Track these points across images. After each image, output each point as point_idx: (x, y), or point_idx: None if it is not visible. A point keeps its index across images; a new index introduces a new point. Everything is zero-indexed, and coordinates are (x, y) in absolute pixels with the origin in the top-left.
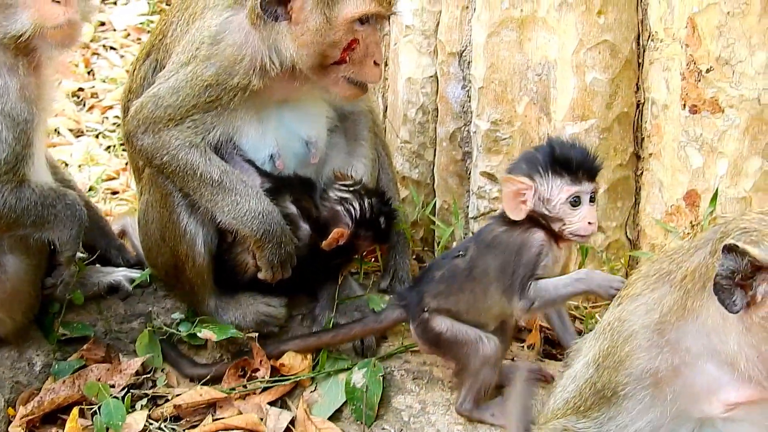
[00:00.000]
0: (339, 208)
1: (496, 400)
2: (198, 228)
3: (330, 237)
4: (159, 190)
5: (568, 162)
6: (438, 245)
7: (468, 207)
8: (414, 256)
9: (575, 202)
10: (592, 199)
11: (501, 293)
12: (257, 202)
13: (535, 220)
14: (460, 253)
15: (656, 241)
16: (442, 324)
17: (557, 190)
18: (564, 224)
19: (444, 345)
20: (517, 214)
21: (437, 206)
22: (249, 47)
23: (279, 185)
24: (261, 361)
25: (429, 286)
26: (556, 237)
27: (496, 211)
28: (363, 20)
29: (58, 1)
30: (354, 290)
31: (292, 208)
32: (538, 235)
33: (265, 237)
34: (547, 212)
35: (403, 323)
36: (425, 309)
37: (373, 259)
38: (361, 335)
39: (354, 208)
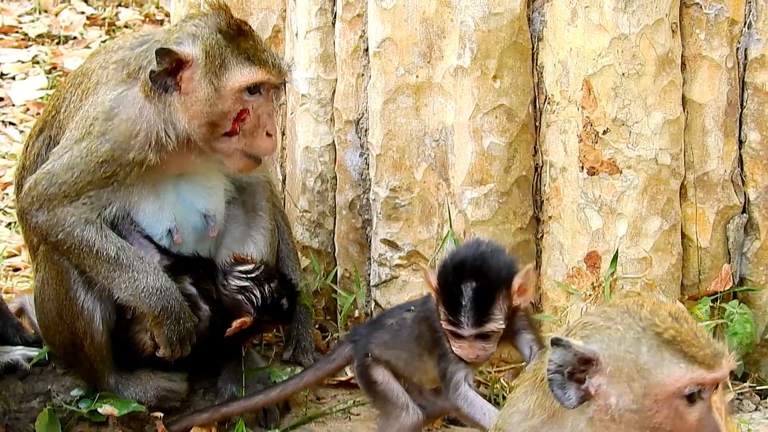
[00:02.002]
0: (240, 297)
1: None
2: (95, 304)
3: (233, 327)
4: (55, 267)
5: (457, 312)
6: (340, 314)
7: (369, 275)
8: (317, 326)
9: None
10: (478, 337)
11: (434, 365)
12: (155, 279)
13: None
14: (412, 307)
15: (558, 304)
16: (378, 375)
17: (442, 319)
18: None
19: (374, 394)
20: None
21: (338, 275)
22: (144, 121)
23: (178, 265)
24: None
25: (378, 332)
26: None
27: (397, 278)
28: (252, 90)
29: None
30: (256, 362)
31: (192, 290)
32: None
33: (163, 314)
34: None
35: None
36: (367, 354)
37: (275, 330)
38: (315, 382)
39: (255, 297)
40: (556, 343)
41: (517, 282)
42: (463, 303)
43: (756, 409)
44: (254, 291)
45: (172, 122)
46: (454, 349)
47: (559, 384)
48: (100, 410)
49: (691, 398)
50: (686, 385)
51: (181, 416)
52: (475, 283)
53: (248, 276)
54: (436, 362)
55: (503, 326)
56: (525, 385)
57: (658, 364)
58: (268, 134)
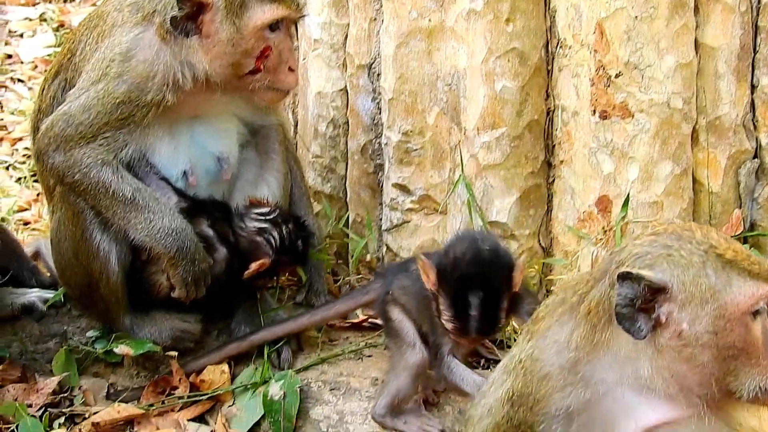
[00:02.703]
0: (258, 239)
1: (412, 409)
2: (111, 246)
3: (251, 268)
4: (71, 209)
5: (465, 321)
6: (352, 258)
7: (381, 219)
8: (329, 270)
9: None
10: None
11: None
12: (171, 220)
13: None
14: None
15: (569, 248)
16: (394, 313)
17: (445, 318)
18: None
19: (388, 329)
20: (426, 283)
21: (350, 219)
22: (160, 63)
23: (195, 207)
24: (180, 379)
25: (401, 275)
26: None
27: (409, 222)
28: (273, 27)
29: None
30: (269, 304)
31: (209, 232)
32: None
33: (178, 254)
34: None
35: None
36: (388, 292)
37: (288, 273)
38: (345, 312)
39: (274, 238)
40: (625, 277)
41: (517, 279)
42: (472, 314)
43: None
44: (272, 233)
45: (189, 64)
46: (452, 337)
47: (629, 317)
48: (115, 350)
49: (755, 314)
50: (757, 300)
51: (195, 356)
52: (483, 293)
53: (265, 218)
54: (429, 330)
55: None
56: (558, 315)
57: (727, 284)
58: (290, 69)
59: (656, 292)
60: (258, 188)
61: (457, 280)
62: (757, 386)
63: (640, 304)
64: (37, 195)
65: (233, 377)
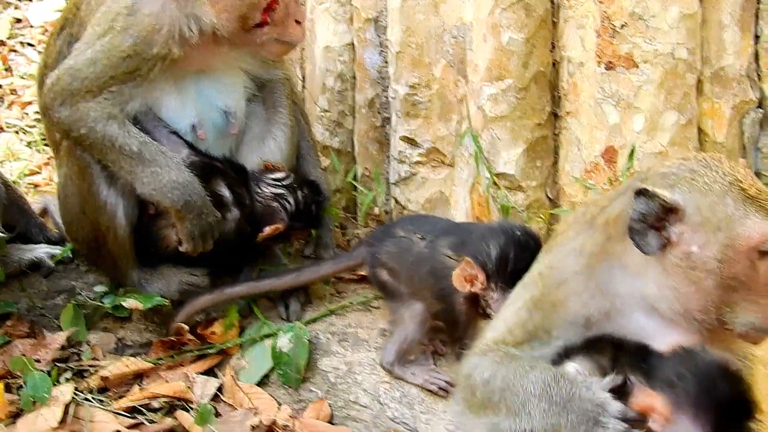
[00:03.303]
0: (274, 204)
1: (420, 361)
2: (118, 200)
3: (266, 232)
4: (77, 163)
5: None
6: (360, 211)
7: (389, 172)
8: (337, 224)
9: None
10: None
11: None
12: (177, 174)
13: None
14: (421, 236)
15: (576, 199)
16: (385, 276)
17: (499, 304)
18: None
19: (383, 291)
20: (461, 288)
21: (358, 173)
22: (167, 16)
23: (212, 168)
24: (190, 340)
25: (388, 240)
26: None
27: (416, 175)
28: None
29: None
30: (278, 258)
31: (226, 192)
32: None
33: (185, 208)
34: (483, 306)
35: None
36: (377, 257)
37: (301, 237)
38: (331, 274)
39: (289, 204)
40: (642, 193)
41: None
42: None
43: None
44: (288, 198)
45: (195, 16)
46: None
47: (641, 231)
48: (124, 304)
49: (764, 254)
50: (766, 240)
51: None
52: None
53: (281, 183)
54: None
55: None
56: (574, 227)
57: (743, 217)
58: (297, 22)
59: (669, 211)
60: (265, 142)
61: (512, 275)
62: (750, 322)
63: (652, 221)
64: (48, 159)
65: (241, 330)
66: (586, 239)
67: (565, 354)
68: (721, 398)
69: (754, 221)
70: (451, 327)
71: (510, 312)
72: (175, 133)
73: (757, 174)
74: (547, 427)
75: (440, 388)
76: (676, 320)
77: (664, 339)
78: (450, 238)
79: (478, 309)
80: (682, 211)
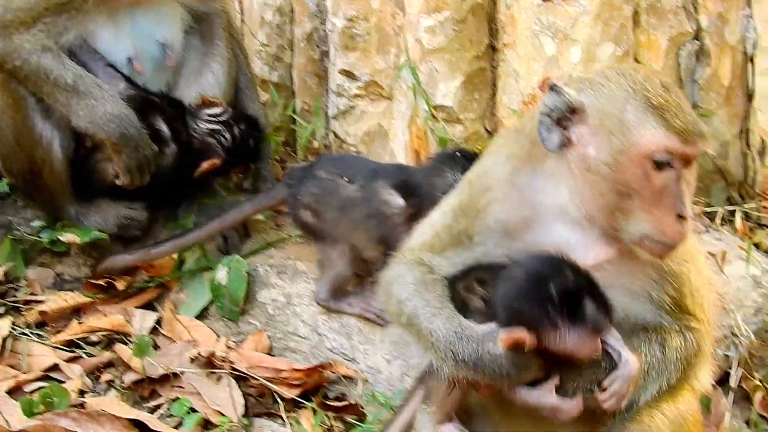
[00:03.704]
0: (210, 140)
1: (355, 291)
2: (54, 133)
3: (202, 168)
4: (12, 96)
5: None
6: (299, 146)
7: (328, 106)
8: (277, 158)
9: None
10: None
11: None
12: (113, 106)
13: (413, 204)
14: (348, 179)
15: None
16: (307, 217)
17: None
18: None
19: (308, 232)
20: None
21: (297, 107)
22: None
23: (150, 101)
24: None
25: (309, 182)
26: None
27: (355, 108)
28: None
29: None
30: (217, 192)
31: (163, 127)
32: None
33: (121, 140)
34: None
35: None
36: (298, 198)
37: (239, 171)
38: (251, 214)
39: (226, 139)
40: (552, 88)
41: None
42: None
43: (706, 231)
44: (224, 134)
45: None
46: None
47: (547, 126)
48: (62, 238)
49: (660, 165)
50: (659, 149)
51: (109, 256)
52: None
53: (218, 119)
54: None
55: None
56: (505, 136)
57: (639, 124)
58: None
59: (573, 111)
60: (203, 76)
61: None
62: (641, 232)
63: (558, 117)
64: None
65: (180, 264)
66: (513, 145)
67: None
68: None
69: (650, 130)
70: None
71: (437, 216)
72: (111, 66)
73: (694, 106)
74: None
75: (377, 316)
76: (589, 229)
77: (586, 253)
78: (389, 180)
79: None
80: (584, 112)
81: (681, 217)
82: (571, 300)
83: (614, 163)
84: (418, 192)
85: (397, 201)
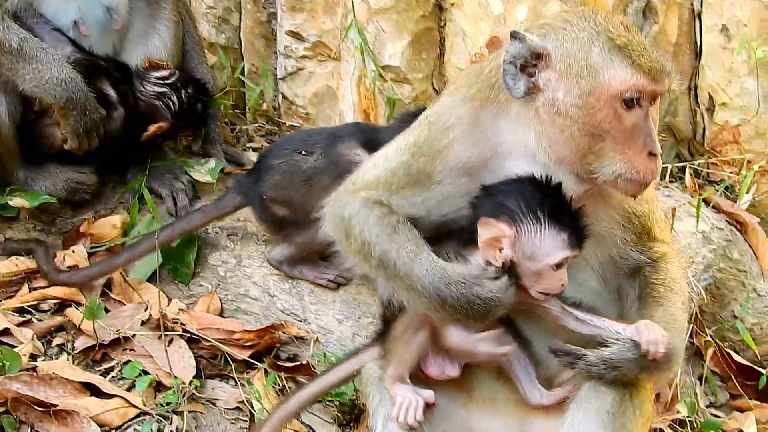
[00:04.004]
0: (158, 103)
1: (307, 258)
2: (0, 97)
3: (150, 131)
4: None
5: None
6: (248, 108)
7: (276, 68)
8: (226, 120)
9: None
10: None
11: None
12: (59, 70)
13: None
14: (305, 152)
15: None
16: (279, 210)
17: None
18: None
19: (282, 226)
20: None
21: (246, 69)
22: None
23: (97, 65)
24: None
25: (268, 175)
26: None
27: (303, 69)
28: None
29: None
30: (166, 154)
31: (110, 91)
32: None
33: (68, 105)
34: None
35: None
36: (263, 197)
37: (187, 135)
38: (201, 225)
39: (173, 102)
40: (513, 36)
41: None
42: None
43: (656, 188)
44: (171, 97)
45: None
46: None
47: (512, 75)
48: (11, 203)
49: (629, 104)
50: (628, 89)
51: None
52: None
53: (165, 82)
54: None
55: None
56: (464, 78)
57: (607, 65)
58: None
59: (538, 57)
60: (149, 39)
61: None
62: (615, 172)
63: (522, 64)
64: None
65: (131, 227)
66: (473, 87)
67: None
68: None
69: (617, 70)
70: None
71: (392, 153)
72: (57, 29)
73: None
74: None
75: (330, 281)
76: (554, 173)
77: None
78: (354, 140)
79: None
80: (549, 57)
81: (652, 155)
82: (554, 203)
83: (584, 105)
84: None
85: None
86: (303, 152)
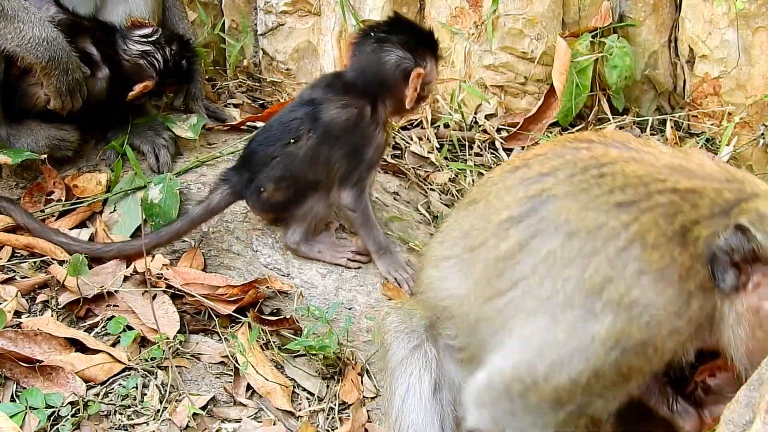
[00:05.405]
0: (142, 61)
1: (324, 236)
2: None
3: (135, 91)
4: None
5: (436, 43)
6: (229, 65)
7: (256, 24)
8: (207, 77)
9: None
10: None
11: (339, 179)
12: (41, 29)
13: (368, 94)
14: (293, 139)
15: (443, 45)
16: (281, 196)
17: (434, 72)
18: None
19: (285, 209)
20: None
21: (226, 25)
22: None
23: (80, 25)
24: (55, 183)
25: (266, 170)
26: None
27: (284, 25)
28: None
29: None
30: (147, 110)
31: (93, 50)
32: (379, 130)
33: (51, 64)
34: (422, 93)
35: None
36: (262, 190)
37: (172, 93)
38: (190, 229)
39: (158, 60)
40: (740, 229)
41: None
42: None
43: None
44: (156, 55)
45: None
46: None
47: (722, 263)
48: None
49: None
50: None
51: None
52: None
53: (149, 40)
54: (342, 174)
55: None
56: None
57: None
58: None
59: (757, 259)
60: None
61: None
62: None
63: (738, 259)
64: None
65: (111, 183)
66: (673, 258)
67: None
68: None
69: None
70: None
71: (582, 355)
72: None
73: (622, 17)
74: None
75: (349, 260)
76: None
77: None
78: (330, 97)
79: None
80: None
81: None
82: None
83: None
84: (361, 85)
85: (353, 111)
86: (291, 141)
